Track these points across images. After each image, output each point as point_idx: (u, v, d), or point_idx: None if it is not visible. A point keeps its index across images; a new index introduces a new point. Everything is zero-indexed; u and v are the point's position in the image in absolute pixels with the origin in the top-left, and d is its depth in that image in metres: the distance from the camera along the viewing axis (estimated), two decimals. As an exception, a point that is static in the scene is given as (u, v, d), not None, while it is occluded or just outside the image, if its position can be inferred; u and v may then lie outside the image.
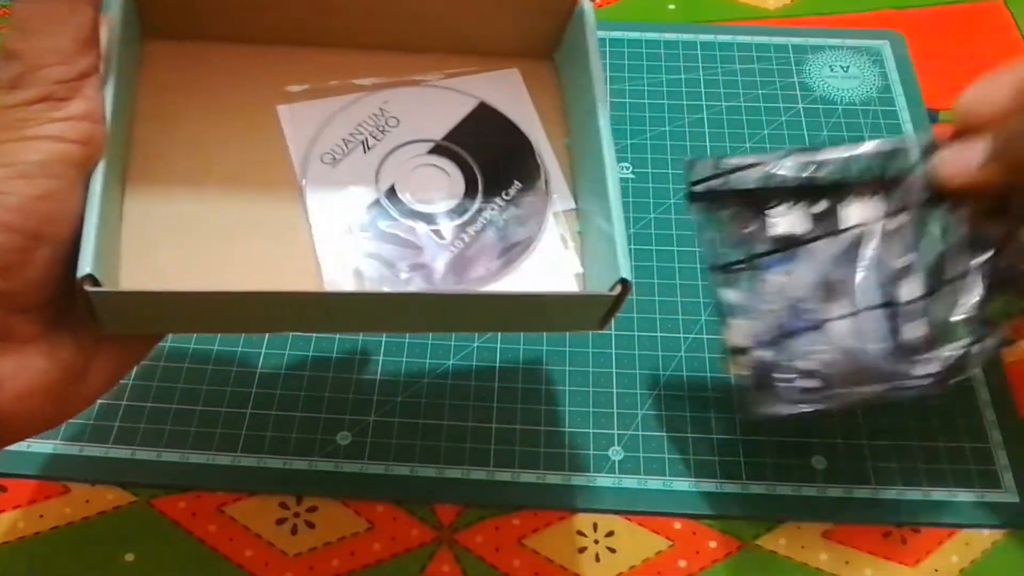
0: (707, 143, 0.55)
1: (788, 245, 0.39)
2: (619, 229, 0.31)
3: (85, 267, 0.27)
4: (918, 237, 0.38)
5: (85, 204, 0.28)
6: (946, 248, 0.37)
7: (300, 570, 0.41)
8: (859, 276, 0.38)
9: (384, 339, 0.47)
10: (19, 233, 0.26)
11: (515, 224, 0.35)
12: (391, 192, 0.35)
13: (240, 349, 0.47)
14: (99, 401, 0.45)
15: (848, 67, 0.60)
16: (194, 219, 0.33)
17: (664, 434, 0.45)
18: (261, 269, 0.32)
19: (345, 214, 0.34)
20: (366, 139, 0.36)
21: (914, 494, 0.43)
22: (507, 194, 0.36)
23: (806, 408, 0.38)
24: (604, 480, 0.43)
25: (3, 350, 0.27)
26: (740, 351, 0.38)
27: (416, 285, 0.33)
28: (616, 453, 0.44)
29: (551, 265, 0.34)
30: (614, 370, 0.46)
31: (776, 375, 0.37)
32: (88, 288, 0.27)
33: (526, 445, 0.44)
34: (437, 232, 0.34)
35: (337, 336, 0.47)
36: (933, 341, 0.37)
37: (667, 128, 0.56)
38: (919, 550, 0.42)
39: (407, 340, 0.47)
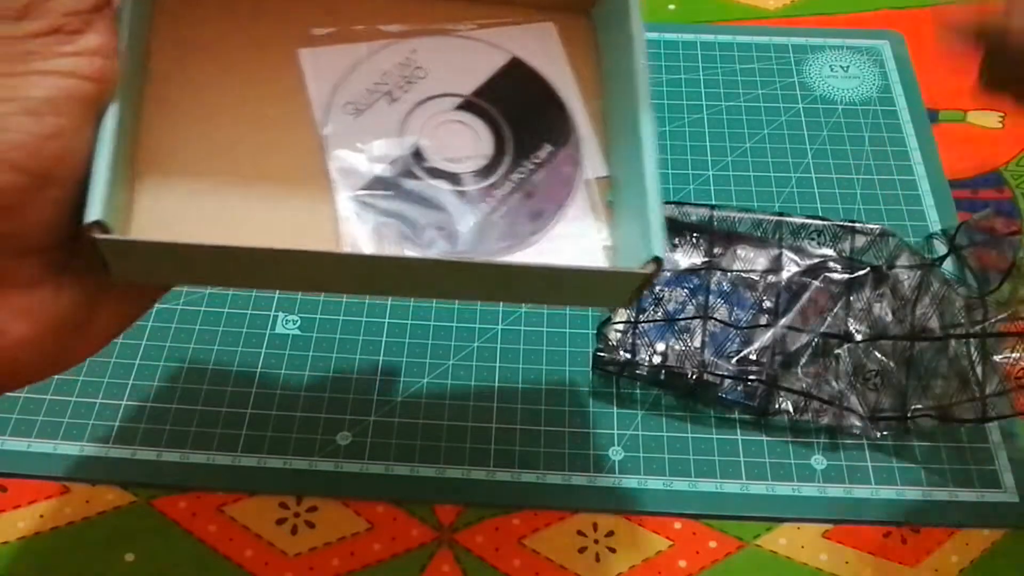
0: (707, 143, 0.55)
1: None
2: (654, 202, 0.30)
3: (94, 213, 0.26)
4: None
5: (95, 145, 0.27)
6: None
7: (300, 570, 0.41)
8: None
9: (384, 339, 0.47)
10: (24, 173, 0.25)
11: (543, 189, 0.33)
12: (416, 148, 0.33)
13: (240, 349, 0.47)
14: (99, 401, 0.45)
15: (848, 67, 0.60)
16: (208, 164, 0.31)
17: (664, 434, 0.45)
18: (277, 222, 0.31)
19: (367, 169, 0.32)
20: (391, 90, 0.34)
21: (914, 494, 0.43)
22: (537, 157, 0.34)
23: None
24: (604, 480, 0.43)
25: (6, 295, 0.26)
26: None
27: (438, 248, 0.31)
28: (616, 453, 0.44)
29: (579, 235, 0.33)
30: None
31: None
32: (97, 235, 0.26)
33: (526, 445, 0.44)
34: (462, 193, 0.33)
35: (337, 336, 0.47)
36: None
37: (667, 128, 0.56)
38: (919, 550, 0.42)
39: (407, 340, 0.47)
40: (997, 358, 0.44)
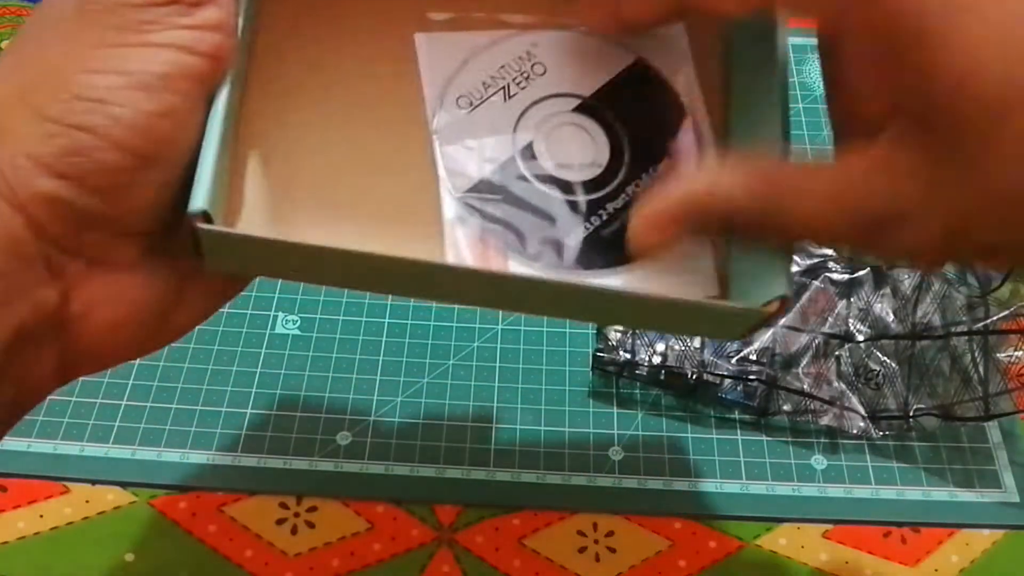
0: (707, 143, 0.55)
1: None
2: None
3: (199, 202, 0.24)
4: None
5: (204, 125, 0.25)
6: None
7: (300, 570, 0.41)
8: None
9: (384, 339, 0.47)
10: (133, 153, 0.23)
11: None
12: (528, 150, 0.31)
13: (240, 349, 0.47)
14: (98, 401, 0.45)
15: (848, 67, 0.59)
16: (313, 153, 0.29)
17: (664, 434, 0.45)
18: (380, 219, 0.29)
19: (475, 169, 0.30)
20: (508, 85, 0.32)
21: (914, 494, 0.43)
22: (654, 170, 0.31)
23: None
24: (604, 480, 0.43)
25: (97, 276, 0.25)
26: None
27: (544, 261, 0.29)
28: (616, 453, 0.44)
29: (690, 257, 0.30)
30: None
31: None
32: (200, 225, 0.24)
33: (526, 445, 0.44)
34: (573, 204, 0.30)
35: (337, 336, 0.47)
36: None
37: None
38: (919, 550, 0.42)
39: (407, 340, 0.47)
40: (1000, 356, 0.44)
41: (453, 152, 0.31)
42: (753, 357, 0.45)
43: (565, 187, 0.31)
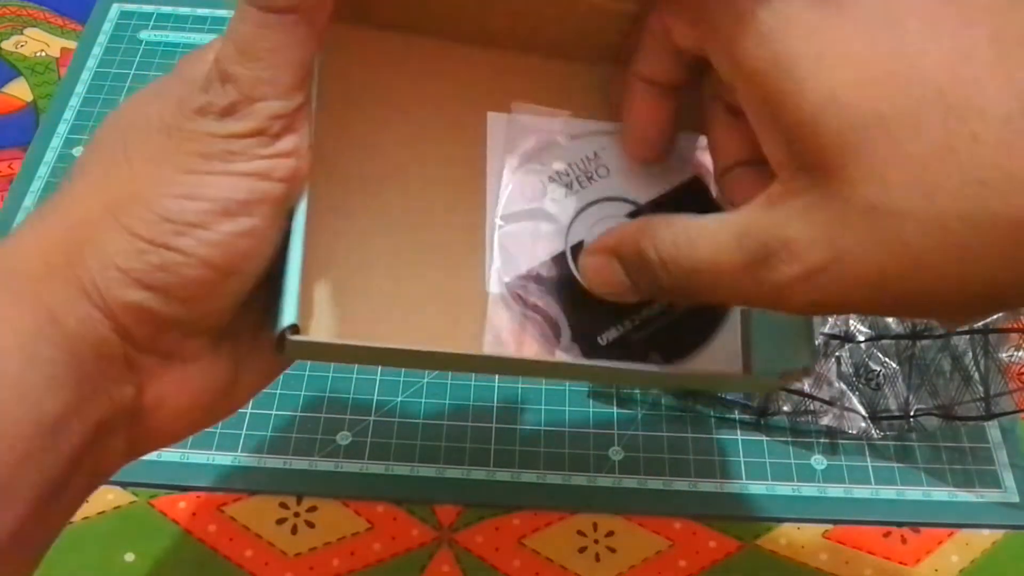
0: (707, 143, 0.55)
1: None
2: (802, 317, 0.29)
3: (290, 317, 0.25)
4: None
5: (279, 238, 0.26)
6: None
7: (300, 570, 0.41)
8: None
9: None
10: (214, 269, 0.25)
11: (689, 319, 0.32)
12: (578, 247, 0.32)
13: (240, 349, 0.47)
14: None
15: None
16: (374, 249, 0.30)
17: (664, 434, 0.45)
18: (444, 306, 0.30)
19: (528, 259, 0.32)
20: (571, 182, 0.33)
21: (914, 494, 0.43)
22: None
23: None
24: (604, 480, 0.43)
25: (169, 369, 0.27)
26: None
27: (574, 354, 0.31)
28: (616, 453, 0.44)
29: (717, 337, 0.32)
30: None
31: None
32: (291, 337, 0.26)
33: (526, 445, 0.44)
34: (612, 304, 0.31)
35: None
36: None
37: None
38: (919, 550, 0.42)
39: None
40: (1000, 355, 0.44)
41: (509, 240, 0.32)
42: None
43: None
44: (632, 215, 0.32)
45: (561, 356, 0.31)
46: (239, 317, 0.27)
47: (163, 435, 0.28)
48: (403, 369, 0.46)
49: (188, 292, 0.25)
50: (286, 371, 0.45)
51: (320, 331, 0.29)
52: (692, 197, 0.33)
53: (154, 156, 0.25)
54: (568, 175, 0.33)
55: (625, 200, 0.33)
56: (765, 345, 0.31)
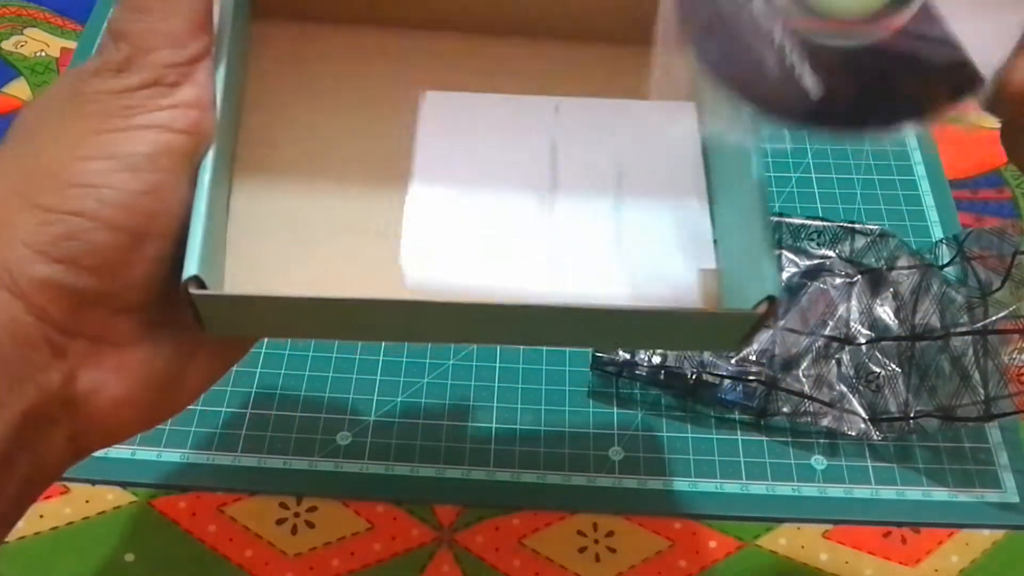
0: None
1: None
2: (764, 237, 0.28)
3: (191, 268, 0.25)
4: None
5: (191, 198, 0.26)
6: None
7: (300, 570, 0.41)
8: None
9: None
10: (124, 231, 0.25)
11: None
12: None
13: (240, 349, 0.47)
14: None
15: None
16: (302, 215, 0.31)
17: (664, 434, 0.45)
18: (368, 270, 0.30)
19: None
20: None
21: (914, 494, 0.43)
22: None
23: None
24: (604, 480, 0.43)
25: (102, 353, 0.26)
26: None
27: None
28: (616, 453, 0.44)
29: (675, 277, 0.31)
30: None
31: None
32: (193, 291, 0.25)
33: (526, 445, 0.44)
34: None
35: (358, 343, 0.47)
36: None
37: (667, 128, 0.56)
38: (919, 550, 0.42)
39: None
40: (1000, 357, 0.44)
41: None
42: (753, 358, 0.45)
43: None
44: None
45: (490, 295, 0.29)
46: (174, 300, 0.26)
47: (108, 428, 0.27)
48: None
49: (98, 260, 0.25)
50: (285, 371, 0.46)
51: (239, 290, 0.29)
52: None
53: (56, 128, 0.25)
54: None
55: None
56: (730, 284, 0.30)
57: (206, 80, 0.27)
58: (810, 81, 0.24)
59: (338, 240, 0.30)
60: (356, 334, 0.33)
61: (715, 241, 0.31)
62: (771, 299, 0.27)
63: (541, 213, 0.31)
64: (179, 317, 0.27)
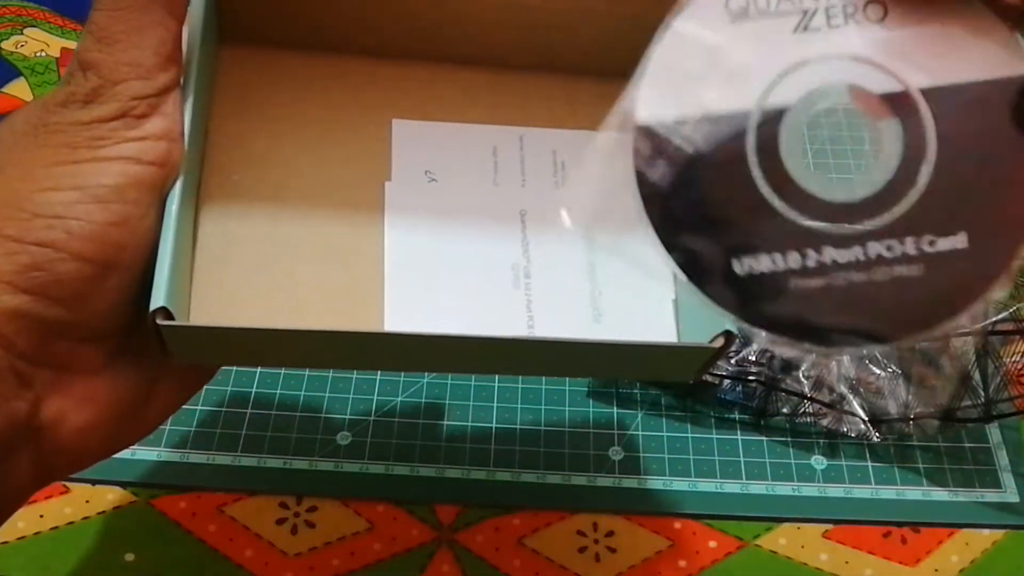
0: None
1: None
2: None
3: (159, 299, 0.25)
4: None
5: (159, 228, 0.26)
6: None
7: (300, 570, 0.41)
8: None
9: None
10: (91, 262, 0.25)
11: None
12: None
13: (240, 349, 0.47)
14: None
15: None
16: (269, 243, 0.31)
17: (664, 434, 0.45)
18: (333, 299, 0.30)
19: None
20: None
21: (914, 494, 0.43)
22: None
23: None
24: (604, 480, 0.43)
25: (66, 382, 0.26)
26: None
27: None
28: (616, 453, 0.44)
29: (652, 314, 0.32)
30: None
31: None
32: (160, 322, 0.25)
33: (526, 445, 0.44)
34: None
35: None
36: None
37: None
38: (919, 550, 0.42)
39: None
40: (1000, 357, 0.44)
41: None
42: (753, 358, 0.45)
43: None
44: None
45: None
46: (139, 328, 0.26)
47: (73, 455, 0.27)
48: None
49: (66, 291, 0.24)
50: (285, 371, 0.46)
51: (205, 321, 0.29)
52: None
53: (23, 158, 0.25)
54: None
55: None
56: (689, 317, 0.31)
57: (174, 111, 0.27)
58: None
59: (305, 268, 0.31)
60: (323, 363, 0.33)
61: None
62: (727, 333, 0.27)
63: (514, 249, 0.32)
64: (145, 345, 0.27)
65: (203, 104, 0.31)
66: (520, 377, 0.46)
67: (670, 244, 0.21)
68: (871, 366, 0.46)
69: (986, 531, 0.42)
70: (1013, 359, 0.44)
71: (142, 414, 0.29)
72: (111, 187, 0.25)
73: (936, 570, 0.41)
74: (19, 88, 0.58)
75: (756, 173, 0.21)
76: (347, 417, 0.45)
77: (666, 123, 0.21)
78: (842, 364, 0.46)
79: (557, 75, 0.36)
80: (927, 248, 0.21)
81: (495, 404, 0.45)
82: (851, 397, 0.45)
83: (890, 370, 0.45)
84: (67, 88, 0.25)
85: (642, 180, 0.21)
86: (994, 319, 0.44)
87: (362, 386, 0.46)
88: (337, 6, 0.33)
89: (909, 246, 0.21)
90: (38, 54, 0.60)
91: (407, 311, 0.30)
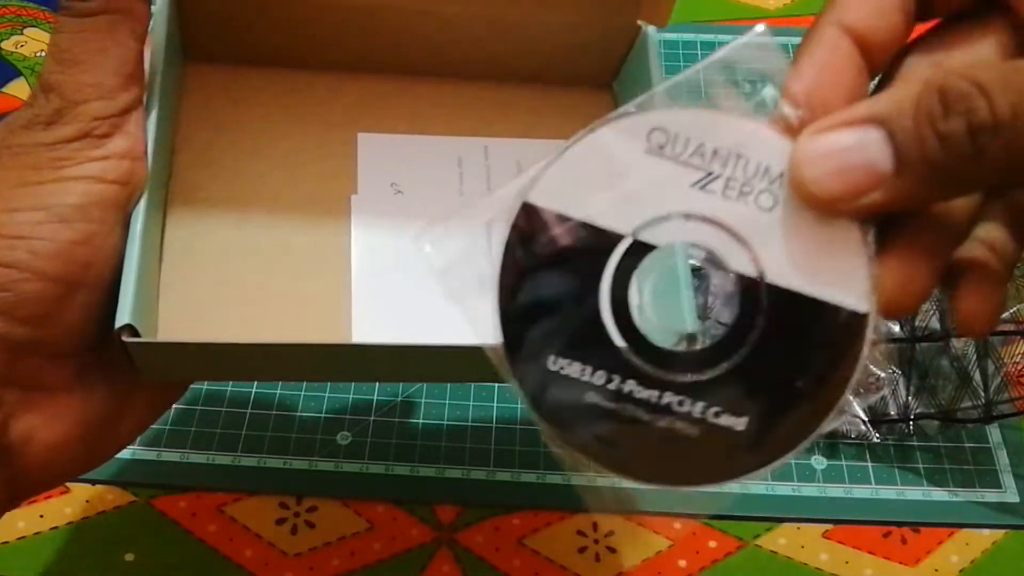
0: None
1: None
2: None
3: (124, 317, 0.25)
4: None
5: (124, 245, 0.27)
6: None
7: (300, 570, 0.41)
8: None
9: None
10: (57, 281, 0.25)
11: None
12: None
13: (240, 349, 0.47)
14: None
15: (848, 67, 0.59)
16: (235, 257, 0.31)
17: (664, 434, 0.45)
18: (301, 313, 0.31)
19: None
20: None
21: (914, 494, 0.43)
22: None
23: None
24: (604, 480, 0.43)
25: (35, 400, 0.26)
26: None
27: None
28: (616, 453, 0.44)
29: None
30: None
31: None
32: (126, 339, 0.25)
33: (526, 445, 0.44)
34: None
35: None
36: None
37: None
38: (919, 550, 0.42)
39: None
40: (1000, 357, 0.44)
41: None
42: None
43: None
44: None
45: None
46: (108, 345, 0.26)
47: (44, 473, 0.27)
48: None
49: (32, 311, 0.25)
50: (286, 371, 0.46)
51: (172, 336, 0.29)
52: None
53: None
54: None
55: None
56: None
57: (137, 130, 0.27)
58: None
59: (273, 282, 0.31)
60: (293, 376, 0.33)
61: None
62: (691, 336, 0.28)
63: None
64: (114, 361, 0.27)
65: (169, 122, 0.31)
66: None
67: (506, 316, 0.23)
68: (871, 366, 0.46)
69: (986, 531, 0.42)
70: (1013, 360, 0.44)
71: (114, 430, 0.29)
72: (74, 206, 0.25)
73: (936, 570, 0.41)
74: (19, 88, 0.58)
75: (603, 291, 0.23)
76: (347, 417, 0.45)
77: (551, 212, 0.23)
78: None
79: (520, 86, 0.36)
80: (710, 418, 0.23)
81: (495, 404, 0.45)
82: (851, 397, 0.45)
83: (890, 370, 0.45)
84: (31, 110, 0.25)
85: (508, 249, 0.23)
86: None
87: (362, 386, 0.46)
88: (300, 23, 0.33)
89: (697, 409, 0.23)
90: (38, 54, 0.60)
91: (375, 322, 0.30)
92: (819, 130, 0.21)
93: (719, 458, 0.23)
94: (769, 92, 0.24)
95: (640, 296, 0.23)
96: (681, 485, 0.24)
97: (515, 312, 0.23)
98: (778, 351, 0.23)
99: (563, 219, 0.23)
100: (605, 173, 0.23)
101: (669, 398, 0.23)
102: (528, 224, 0.23)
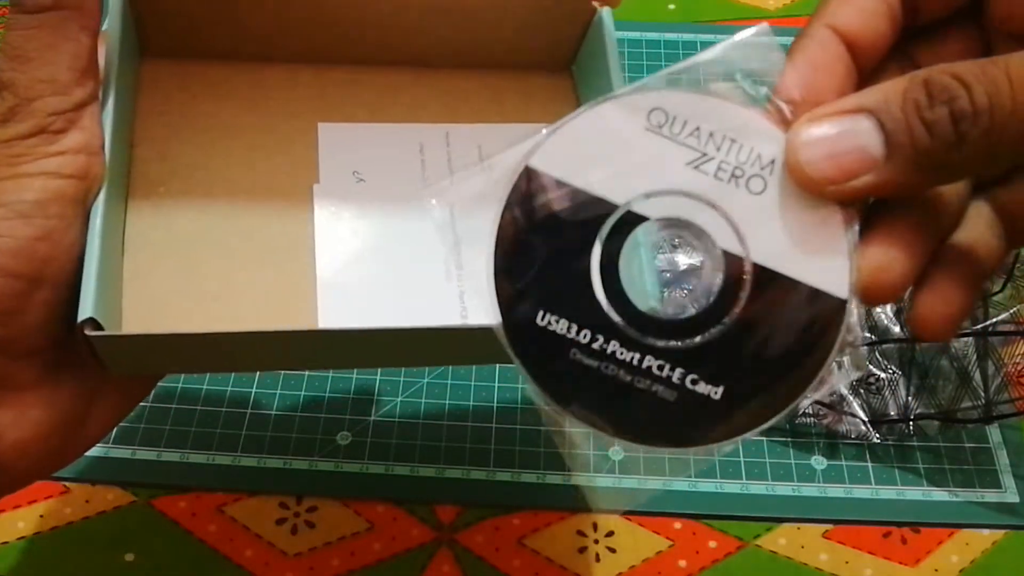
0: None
1: None
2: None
3: (86, 311, 0.25)
4: None
5: (84, 240, 0.27)
6: None
7: (300, 570, 0.41)
8: None
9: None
10: (18, 278, 0.25)
11: None
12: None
13: (240, 349, 0.47)
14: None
15: (848, 67, 0.59)
16: (197, 248, 0.31)
17: (664, 434, 0.45)
18: (266, 303, 0.31)
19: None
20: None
21: (914, 494, 0.43)
22: None
23: None
24: (604, 480, 0.43)
25: (3, 398, 0.26)
26: None
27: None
28: (616, 453, 0.44)
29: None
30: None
31: None
32: (89, 333, 0.26)
33: (526, 445, 0.44)
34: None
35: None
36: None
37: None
38: (919, 550, 0.42)
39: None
40: (1000, 358, 0.44)
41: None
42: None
43: None
44: None
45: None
46: (73, 342, 0.26)
47: (14, 471, 0.27)
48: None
49: None
50: (283, 371, 0.46)
51: (136, 328, 0.29)
52: None
53: None
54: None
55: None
56: None
57: (93, 125, 0.27)
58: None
59: (237, 273, 0.31)
60: (259, 365, 0.33)
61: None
62: (673, 306, 0.28)
63: (443, 245, 0.32)
64: (81, 358, 0.27)
65: (126, 117, 0.31)
66: (520, 377, 0.46)
67: (499, 270, 0.24)
68: (871, 366, 0.46)
69: (986, 531, 0.42)
70: (1013, 360, 0.44)
71: (83, 428, 0.29)
72: (33, 202, 0.25)
73: (936, 570, 0.41)
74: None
75: (594, 255, 0.24)
76: (347, 417, 0.45)
77: (550, 177, 0.24)
78: (842, 365, 0.46)
79: (480, 71, 0.36)
80: (688, 384, 0.24)
81: (495, 404, 0.45)
82: (851, 397, 0.45)
83: (890, 371, 0.45)
84: None
85: (506, 209, 0.24)
86: (994, 320, 0.44)
87: (362, 386, 0.46)
88: (256, 15, 0.33)
89: (676, 374, 0.24)
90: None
91: (340, 309, 0.31)
92: (814, 118, 0.23)
93: (692, 424, 0.24)
94: (764, 86, 0.25)
95: (627, 262, 0.24)
96: (652, 445, 0.25)
97: (509, 266, 0.24)
98: (757, 328, 0.24)
99: (561, 184, 0.24)
100: (605, 146, 0.24)
101: (650, 362, 0.24)
102: (528, 186, 0.24)
